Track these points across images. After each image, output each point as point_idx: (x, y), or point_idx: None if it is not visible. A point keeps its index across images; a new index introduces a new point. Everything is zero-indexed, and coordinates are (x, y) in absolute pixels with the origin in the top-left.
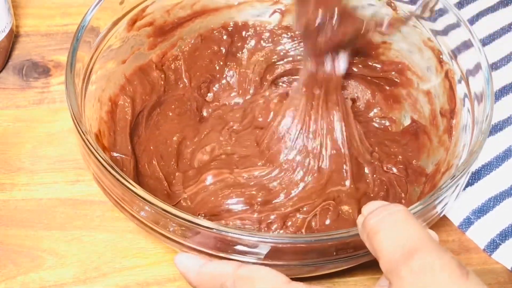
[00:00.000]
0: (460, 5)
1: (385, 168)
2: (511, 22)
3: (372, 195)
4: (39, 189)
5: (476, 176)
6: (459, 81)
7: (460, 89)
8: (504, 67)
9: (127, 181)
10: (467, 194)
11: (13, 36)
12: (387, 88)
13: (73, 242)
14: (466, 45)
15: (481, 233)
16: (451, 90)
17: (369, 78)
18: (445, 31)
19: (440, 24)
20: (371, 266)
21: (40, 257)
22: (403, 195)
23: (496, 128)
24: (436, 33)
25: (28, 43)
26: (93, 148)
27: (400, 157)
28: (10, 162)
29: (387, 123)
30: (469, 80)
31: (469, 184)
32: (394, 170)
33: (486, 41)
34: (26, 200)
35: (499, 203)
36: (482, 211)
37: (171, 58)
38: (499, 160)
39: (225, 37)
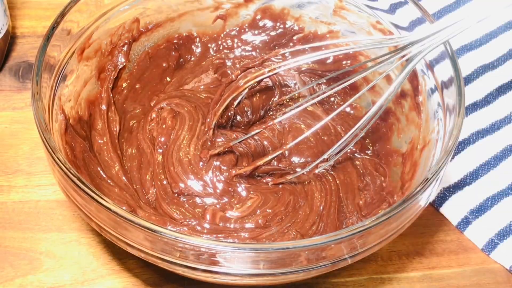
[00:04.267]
0: (457, 4)
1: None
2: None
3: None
4: (37, 191)
5: (473, 176)
6: (425, 71)
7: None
8: (501, 67)
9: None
10: (465, 194)
11: (10, 38)
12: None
13: (71, 244)
14: (419, 20)
15: (479, 232)
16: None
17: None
18: (392, 10)
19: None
20: (370, 266)
21: (38, 259)
22: (382, 178)
23: (494, 128)
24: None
25: (25, 44)
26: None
27: (367, 140)
28: (7, 164)
29: (348, 110)
30: (435, 70)
31: (466, 183)
32: (364, 154)
33: (483, 41)
34: (24, 202)
35: (497, 202)
36: (480, 210)
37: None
38: (497, 159)
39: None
